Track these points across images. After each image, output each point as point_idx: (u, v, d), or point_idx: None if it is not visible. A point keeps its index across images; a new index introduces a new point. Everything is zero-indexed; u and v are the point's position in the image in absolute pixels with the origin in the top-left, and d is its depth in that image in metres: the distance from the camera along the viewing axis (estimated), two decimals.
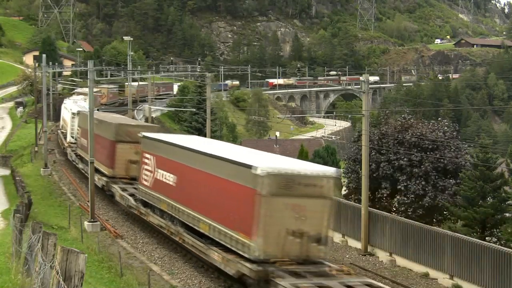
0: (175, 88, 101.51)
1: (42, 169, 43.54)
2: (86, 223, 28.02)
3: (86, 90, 73.60)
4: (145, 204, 26.80)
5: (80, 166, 39.78)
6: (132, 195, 28.74)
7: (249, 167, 18.15)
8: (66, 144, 49.25)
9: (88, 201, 30.77)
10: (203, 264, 22.16)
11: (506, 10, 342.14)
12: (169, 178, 24.11)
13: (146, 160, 26.82)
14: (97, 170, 31.90)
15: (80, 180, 40.42)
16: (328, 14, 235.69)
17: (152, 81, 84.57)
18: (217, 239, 19.75)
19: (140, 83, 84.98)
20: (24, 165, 48.86)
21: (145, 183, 26.65)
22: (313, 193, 18.46)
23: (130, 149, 31.17)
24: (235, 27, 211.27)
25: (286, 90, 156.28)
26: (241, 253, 18.30)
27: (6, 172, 48.27)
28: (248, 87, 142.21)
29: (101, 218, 29.77)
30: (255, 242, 17.81)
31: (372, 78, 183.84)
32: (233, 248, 18.75)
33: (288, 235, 18.11)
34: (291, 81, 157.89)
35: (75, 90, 73.84)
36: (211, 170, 20.34)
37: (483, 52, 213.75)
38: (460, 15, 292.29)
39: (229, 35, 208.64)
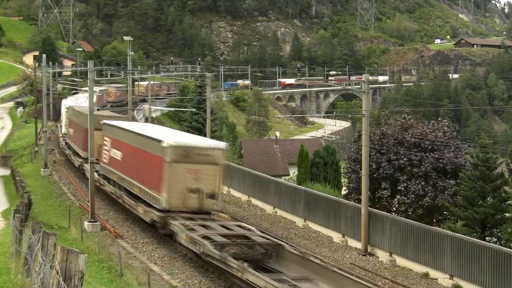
0: None
1: (42, 169, 43.54)
2: (86, 223, 28.03)
3: (94, 88, 75.44)
4: (105, 178, 33.19)
5: (67, 151, 46.42)
6: (97, 171, 33.38)
7: (159, 141, 24.60)
8: (60, 135, 56.75)
9: (88, 201, 30.78)
10: (203, 264, 22.21)
11: (506, 10, 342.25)
12: (118, 154, 30.56)
13: (105, 142, 33.25)
14: (76, 153, 41.31)
15: (80, 180, 40.44)
16: (328, 14, 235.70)
17: (152, 81, 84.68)
18: (142, 197, 26.14)
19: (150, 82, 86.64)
20: (24, 165, 48.88)
21: (104, 160, 33.24)
22: (206, 161, 24.58)
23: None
24: (235, 27, 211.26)
25: (297, 90, 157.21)
26: (154, 205, 24.77)
27: (6, 172, 48.28)
28: (260, 87, 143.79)
29: (101, 218, 29.77)
30: (162, 196, 24.16)
31: (382, 78, 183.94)
32: (151, 203, 25.15)
33: (188, 192, 24.44)
34: (302, 81, 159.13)
35: (83, 88, 74.66)
36: (140, 145, 26.45)
37: (483, 52, 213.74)
38: (460, 15, 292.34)
39: (229, 35, 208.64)
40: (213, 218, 24.35)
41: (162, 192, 24.21)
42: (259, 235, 22.06)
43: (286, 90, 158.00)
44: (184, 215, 24.10)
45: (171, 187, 24.19)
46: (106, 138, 33.21)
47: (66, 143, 50.01)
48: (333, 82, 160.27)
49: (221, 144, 25.88)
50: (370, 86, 29.38)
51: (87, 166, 34.85)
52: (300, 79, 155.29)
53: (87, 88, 75.95)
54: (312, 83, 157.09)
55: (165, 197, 24.12)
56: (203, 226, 22.79)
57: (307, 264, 19.43)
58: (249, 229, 23.01)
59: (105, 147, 33.28)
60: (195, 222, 23.19)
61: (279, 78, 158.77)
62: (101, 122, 34.53)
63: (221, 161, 24.89)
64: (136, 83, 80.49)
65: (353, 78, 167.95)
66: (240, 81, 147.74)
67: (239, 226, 23.51)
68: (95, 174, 31.78)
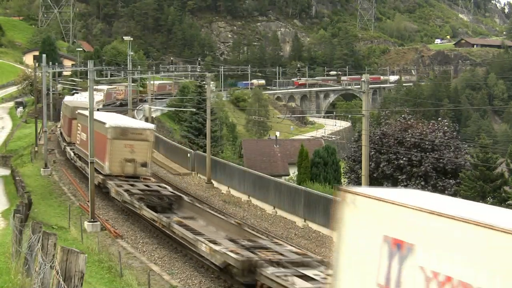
0: None
1: (42, 169, 43.53)
2: (86, 223, 28.02)
3: (102, 87, 77.83)
4: (78, 156, 40.71)
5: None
6: (72, 149, 43.46)
7: (104, 123, 33.00)
8: (58, 126, 62.10)
9: (88, 201, 30.78)
10: (203, 264, 22.24)
11: (506, 10, 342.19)
12: (84, 136, 37.86)
13: (78, 128, 41.72)
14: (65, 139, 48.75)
15: (80, 180, 40.45)
16: (328, 14, 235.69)
17: (152, 81, 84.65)
18: (96, 168, 31.29)
19: (162, 81, 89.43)
20: (24, 165, 48.85)
21: (77, 142, 41.62)
22: (139, 138, 32.76)
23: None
24: (235, 27, 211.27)
25: (297, 90, 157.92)
26: (101, 172, 32.93)
27: (6, 172, 48.27)
28: (275, 86, 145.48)
29: (101, 218, 29.77)
30: (105, 165, 32.82)
31: (393, 78, 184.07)
32: (100, 171, 32.77)
33: (125, 161, 32.80)
34: (315, 80, 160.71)
35: (96, 87, 76.99)
36: (96, 128, 30.76)
37: (483, 52, 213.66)
38: (460, 15, 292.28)
39: (229, 35, 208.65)
40: (141, 180, 32.57)
41: (105, 161, 32.95)
42: (169, 190, 30.27)
43: (286, 90, 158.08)
44: (121, 178, 32.46)
45: (112, 158, 32.82)
46: (78, 125, 41.96)
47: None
48: (347, 80, 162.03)
49: (151, 126, 35.18)
50: (370, 86, 29.39)
51: (68, 150, 43.50)
52: (314, 79, 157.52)
53: (99, 87, 79.24)
54: (326, 81, 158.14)
55: (108, 165, 32.97)
56: (131, 185, 30.88)
57: (195, 208, 27.61)
58: (164, 187, 31.01)
59: (78, 132, 41.79)
60: (125, 182, 31.41)
61: (279, 78, 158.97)
62: (76, 112, 42.78)
63: (150, 139, 33.49)
64: (151, 82, 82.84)
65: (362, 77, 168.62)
66: (254, 81, 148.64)
67: (158, 185, 31.66)
68: (71, 152, 41.48)
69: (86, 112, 36.18)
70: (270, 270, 17.39)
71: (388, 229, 9.04)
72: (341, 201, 10.17)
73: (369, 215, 9.49)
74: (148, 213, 26.43)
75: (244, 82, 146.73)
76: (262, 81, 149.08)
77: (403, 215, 8.79)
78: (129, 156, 32.84)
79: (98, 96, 68.88)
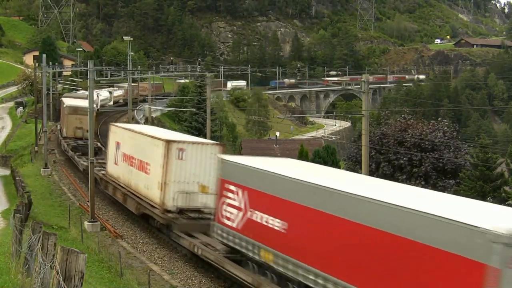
0: None
1: (42, 169, 43.55)
2: (86, 223, 28.03)
3: (121, 84, 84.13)
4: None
5: (59, 135, 57.62)
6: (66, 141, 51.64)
7: (64, 104, 52.03)
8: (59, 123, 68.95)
9: (88, 201, 30.78)
10: (203, 264, 22.21)
11: (506, 10, 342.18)
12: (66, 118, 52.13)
13: (64, 116, 53.14)
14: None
15: (80, 180, 40.46)
16: (328, 14, 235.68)
17: (152, 81, 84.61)
18: (60, 133, 46.53)
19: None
20: (24, 165, 48.87)
21: (64, 128, 52.51)
22: (85, 113, 38.00)
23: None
24: (235, 27, 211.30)
25: (297, 90, 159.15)
26: (60, 137, 52.86)
27: (6, 172, 48.27)
28: (306, 85, 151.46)
29: (101, 218, 29.78)
30: (63, 131, 51.48)
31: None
32: (60, 136, 52.82)
33: (76, 129, 49.05)
34: (342, 79, 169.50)
35: (115, 85, 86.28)
36: (62, 109, 41.75)
37: (483, 52, 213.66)
38: (460, 15, 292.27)
39: (229, 35, 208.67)
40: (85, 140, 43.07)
41: (63, 128, 51.91)
42: (97, 146, 42.20)
43: (286, 90, 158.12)
44: (74, 139, 48.58)
45: (68, 126, 50.18)
46: (65, 113, 52.29)
47: (67, 143, 48.59)
48: (349, 81, 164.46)
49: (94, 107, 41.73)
50: (370, 86, 29.38)
51: (63, 142, 50.77)
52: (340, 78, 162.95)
53: (119, 84, 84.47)
54: (354, 79, 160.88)
55: (65, 131, 50.96)
56: (74, 142, 47.67)
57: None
58: (96, 144, 41.40)
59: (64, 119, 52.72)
60: (73, 142, 47.66)
61: (279, 78, 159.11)
62: (64, 105, 52.87)
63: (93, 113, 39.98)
64: (178, 80, 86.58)
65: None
66: (286, 80, 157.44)
67: (96, 144, 41.84)
68: (65, 144, 48.74)
69: (71, 101, 54.07)
70: (70, 153, 45.57)
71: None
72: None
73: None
74: (71, 155, 44.88)
75: (275, 81, 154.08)
76: (293, 80, 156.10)
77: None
78: (79, 125, 48.63)
79: (119, 91, 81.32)
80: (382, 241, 12.93)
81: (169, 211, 24.58)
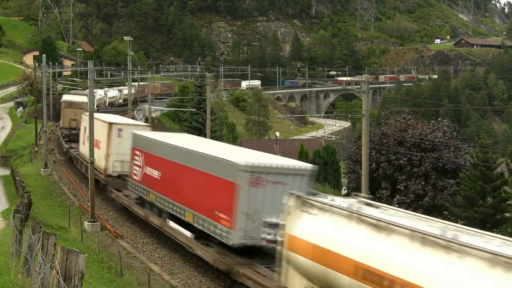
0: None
1: (42, 169, 43.53)
2: (86, 223, 28.03)
3: (133, 83, 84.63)
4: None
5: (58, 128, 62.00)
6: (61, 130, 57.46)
7: (61, 99, 60.95)
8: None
9: (88, 201, 30.78)
10: (203, 264, 22.23)
11: (506, 10, 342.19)
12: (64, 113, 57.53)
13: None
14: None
15: (80, 180, 40.45)
16: (328, 14, 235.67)
17: (152, 81, 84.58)
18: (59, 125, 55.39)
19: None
20: (24, 165, 48.83)
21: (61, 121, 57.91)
22: (80, 107, 50.21)
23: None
24: (235, 27, 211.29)
25: (297, 90, 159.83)
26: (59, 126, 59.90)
27: (6, 172, 48.26)
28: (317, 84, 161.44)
29: (101, 218, 29.77)
30: (60, 122, 60.32)
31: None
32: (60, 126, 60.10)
33: (71, 120, 54.07)
34: (357, 78, 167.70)
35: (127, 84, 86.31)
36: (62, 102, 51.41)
37: (483, 52, 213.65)
38: (460, 15, 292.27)
39: (229, 35, 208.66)
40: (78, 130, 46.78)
41: (61, 120, 58.51)
42: None
43: (286, 90, 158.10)
44: (67, 129, 54.04)
45: (64, 118, 56.18)
46: (62, 107, 58.62)
47: (62, 133, 56.15)
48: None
49: (85, 99, 45.73)
50: (370, 86, 29.38)
51: (58, 131, 58.15)
52: (356, 77, 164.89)
53: (136, 83, 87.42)
54: (376, 79, 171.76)
55: (61, 122, 57.76)
56: (68, 131, 53.12)
57: None
58: None
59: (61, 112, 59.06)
60: (67, 131, 53.24)
61: (279, 78, 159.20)
62: (61, 100, 59.93)
63: (85, 107, 44.30)
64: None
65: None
66: (298, 79, 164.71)
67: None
68: (59, 132, 55.63)
69: (70, 97, 59.05)
70: (61, 139, 53.51)
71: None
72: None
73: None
74: (61, 140, 51.97)
75: (289, 80, 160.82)
76: (304, 80, 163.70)
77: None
78: (73, 118, 53.23)
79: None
80: (191, 172, 22.23)
81: (110, 176, 33.13)
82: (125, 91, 79.95)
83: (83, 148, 39.12)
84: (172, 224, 23.77)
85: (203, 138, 34.06)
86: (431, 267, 9.66)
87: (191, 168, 22.04)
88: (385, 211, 11.88)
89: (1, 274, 12.67)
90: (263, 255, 19.40)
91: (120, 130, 33.25)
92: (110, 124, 33.31)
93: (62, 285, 6.89)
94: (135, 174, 28.18)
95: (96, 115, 38.33)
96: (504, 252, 8.83)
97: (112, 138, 33.08)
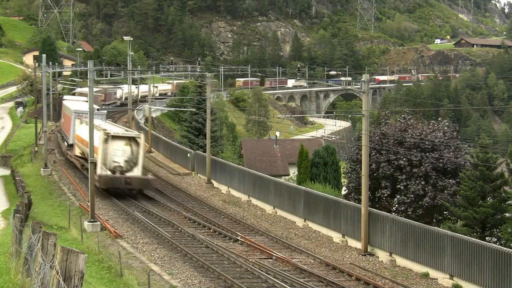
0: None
1: (42, 169, 43.54)
2: (86, 223, 28.02)
3: (169, 81, 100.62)
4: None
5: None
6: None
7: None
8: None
9: (88, 201, 30.78)
10: (203, 264, 22.23)
11: (506, 10, 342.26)
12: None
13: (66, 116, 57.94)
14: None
15: (80, 180, 40.46)
16: (328, 14, 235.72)
17: (152, 82, 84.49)
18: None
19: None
20: (24, 165, 48.84)
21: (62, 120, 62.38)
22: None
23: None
24: (235, 27, 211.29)
25: (297, 90, 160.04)
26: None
27: (6, 172, 48.27)
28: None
29: (101, 218, 29.77)
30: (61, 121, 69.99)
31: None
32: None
33: None
34: (393, 77, 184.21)
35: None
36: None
37: (483, 52, 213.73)
38: (460, 15, 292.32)
39: (229, 35, 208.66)
40: None
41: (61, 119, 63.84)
42: None
43: (286, 90, 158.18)
44: None
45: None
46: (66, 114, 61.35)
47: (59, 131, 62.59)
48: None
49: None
50: (370, 86, 29.39)
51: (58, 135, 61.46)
52: (392, 76, 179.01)
53: (169, 81, 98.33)
54: (404, 78, 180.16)
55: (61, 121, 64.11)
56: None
57: None
58: None
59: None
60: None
61: (279, 78, 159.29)
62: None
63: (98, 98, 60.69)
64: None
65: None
66: (342, 78, 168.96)
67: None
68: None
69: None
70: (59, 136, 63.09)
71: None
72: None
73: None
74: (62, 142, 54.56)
75: (334, 79, 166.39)
76: (349, 78, 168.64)
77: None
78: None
79: (167, 86, 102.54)
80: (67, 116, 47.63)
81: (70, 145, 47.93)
82: (161, 87, 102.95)
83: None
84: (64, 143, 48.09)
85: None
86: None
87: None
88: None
89: (1, 274, 12.67)
90: None
91: (80, 116, 45.12)
92: (76, 112, 47.42)
93: (62, 285, 6.89)
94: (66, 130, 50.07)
95: (66, 102, 55.44)
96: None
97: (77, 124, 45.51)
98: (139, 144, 35.46)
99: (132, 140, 35.54)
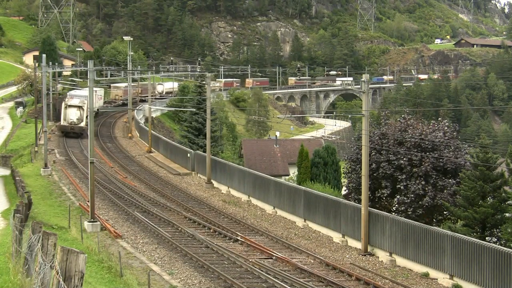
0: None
1: (42, 169, 43.54)
2: (86, 223, 28.02)
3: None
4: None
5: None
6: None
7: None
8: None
9: (88, 201, 30.78)
10: (203, 264, 22.23)
11: (506, 10, 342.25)
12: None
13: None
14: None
15: (80, 180, 40.45)
16: (328, 14, 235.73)
17: (152, 81, 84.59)
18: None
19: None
20: (24, 165, 48.81)
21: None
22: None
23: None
24: (235, 27, 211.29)
25: (297, 90, 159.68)
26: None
27: (6, 172, 48.25)
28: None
29: (101, 218, 29.76)
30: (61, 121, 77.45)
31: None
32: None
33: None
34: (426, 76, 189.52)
35: (159, 83, 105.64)
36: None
37: (483, 52, 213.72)
38: (460, 15, 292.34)
39: (229, 35, 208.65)
40: None
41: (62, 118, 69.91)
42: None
43: (286, 90, 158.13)
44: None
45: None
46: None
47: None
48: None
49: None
50: (370, 86, 29.38)
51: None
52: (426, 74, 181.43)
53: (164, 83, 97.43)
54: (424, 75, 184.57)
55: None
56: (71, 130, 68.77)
57: None
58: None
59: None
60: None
61: (279, 78, 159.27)
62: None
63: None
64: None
65: (390, 78, 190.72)
66: (385, 77, 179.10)
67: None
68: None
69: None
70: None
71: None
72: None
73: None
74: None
75: (376, 78, 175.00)
76: (391, 77, 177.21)
77: None
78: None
79: (173, 84, 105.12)
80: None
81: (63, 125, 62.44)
82: (166, 85, 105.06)
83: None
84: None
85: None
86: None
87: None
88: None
89: (1, 274, 12.67)
90: None
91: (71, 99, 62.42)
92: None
93: (62, 285, 6.89)
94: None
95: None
96: None
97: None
98: (84, 109, 60.40)
99: (80, 108, 61.14)
